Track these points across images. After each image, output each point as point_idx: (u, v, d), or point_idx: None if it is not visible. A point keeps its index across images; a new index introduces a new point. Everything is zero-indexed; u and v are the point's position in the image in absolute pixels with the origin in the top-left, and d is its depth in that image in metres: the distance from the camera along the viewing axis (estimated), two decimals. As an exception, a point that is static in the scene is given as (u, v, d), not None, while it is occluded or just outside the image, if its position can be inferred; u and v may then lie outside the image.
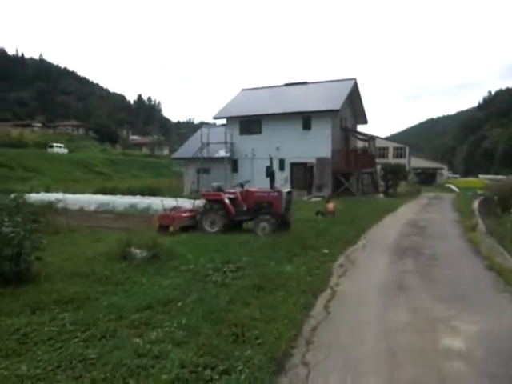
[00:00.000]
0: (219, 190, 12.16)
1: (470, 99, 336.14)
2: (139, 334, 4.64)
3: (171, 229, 11.86)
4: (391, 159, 48.50)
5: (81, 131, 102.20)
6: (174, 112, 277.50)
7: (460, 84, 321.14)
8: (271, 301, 5.90)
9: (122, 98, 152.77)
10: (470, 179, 69.95)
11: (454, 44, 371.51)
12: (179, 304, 5.59)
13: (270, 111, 31.32)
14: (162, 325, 4.91)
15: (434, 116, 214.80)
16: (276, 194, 11.45)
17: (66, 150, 66.27)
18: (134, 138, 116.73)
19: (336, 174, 29.08)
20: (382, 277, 7.85)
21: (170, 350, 4.22)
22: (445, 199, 30.08)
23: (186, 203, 15.89)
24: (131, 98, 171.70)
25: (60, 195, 15.14)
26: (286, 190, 11.94)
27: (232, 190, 12.51)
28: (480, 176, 72.57)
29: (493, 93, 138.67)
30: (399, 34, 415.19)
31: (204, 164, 32.11)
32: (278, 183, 30.32)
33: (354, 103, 34.80)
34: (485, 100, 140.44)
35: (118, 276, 6.91)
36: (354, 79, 33.34)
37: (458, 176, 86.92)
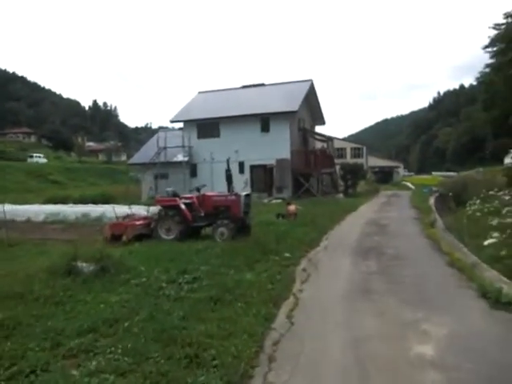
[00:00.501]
0: (174, 195, 11.54)
1: (421, 100, 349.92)
2: (77, 365, 4.03)
3: (124, 238, 11.13)
4: (349, 159, 49.25)
5: (33, 139, 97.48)
6: (131, 117, 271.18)
7: (412, 85, 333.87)
8: (230, 314, 5.43)
9: (76, 103, 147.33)
10: (424, 176, 72.67)
11: (406, 45, 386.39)
12: (126, 324, 5.01)
13: (228, 114, 30.88)
14: (105, 351, 4.31)
15: (389, 116, 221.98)
16: (234, 197, 10.97)
17: (45, 160, 63.73)
18: (90, 144, 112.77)
19: (296, 175, 29.00)
20: (346, 280, 7.55)
21: (111, 382, 3.66)
22: (402, 197, 30.74)
23: (141, 210, 15.13)
24: (86, 103, 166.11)
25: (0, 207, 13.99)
26: (244, 192, 11.48)
27: (188, 195, 11.92)
28: (433, 173, 75.51)
29: (441, 93, 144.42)
30: (353, 36, 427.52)
31: (161, 169, 31.19)
32: (237, 186, 30.38)
33: (311, 104, 34.97)
34: (434, 100, 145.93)
35: (60, 295, 6.20)
36: (311, 80, 33.52)
37: (412, 174, 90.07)
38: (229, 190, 11.23)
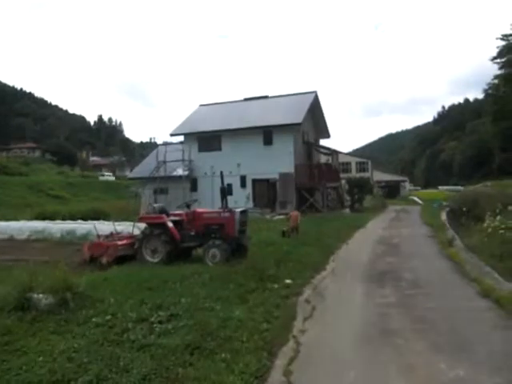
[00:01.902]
0: (162, 211, 10.23)
1: (425, 114, 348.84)
2: None
3: (104, 260, 9.82)
4: (355, 174, 48.02)
5: (37, 153, 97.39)
6: (136, 133, 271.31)
7: (416, 99, 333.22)
8: (208, 370, 4.08)
9: (81, 118, 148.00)
10: (431, 191, 71.23)
11: (409, 60, 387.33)
12: (66, 389, 3.68)
13: (230, 126, 29.89)
14: None
15: (393, 131, 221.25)
16: (228, 214, 9.62)
17: (113, 178, 69.19)
18: (95, 159, 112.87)
19: (300, 190, 27.75)
20: (359, 315, 6.18)
21: None
22: (412, 212, 29.29)
23: (132, 228, 13.82)
24: (91, 118, 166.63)
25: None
26: (240, 209, 10.14)
27: (177, 212, 10.59)
28: (440, 187, 74.03)
29: (446, 107, 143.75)
30: (358, 53, 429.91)
31: (161, 183, 30.10)
32: (239, 201, 29.06)
33: (315, 117, 33.88)
34: (439, 115, 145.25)
35: (-4, 340, 4.87)
36: (315, 92, 32.50)
37: (418, 188, 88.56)
38: (223, 206, 9.89)
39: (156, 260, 9.64)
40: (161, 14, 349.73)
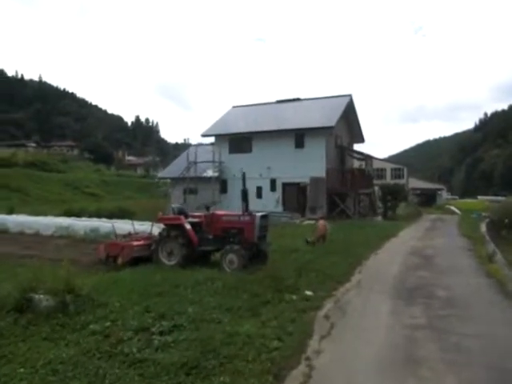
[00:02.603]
0: (181, 212, 9.84)
1: (465, 121, 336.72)
2: None
3: (119, 261, 9.53)
4: (389, 180, 46.51)
5: (75, 152, 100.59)
6: (172, 134, 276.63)
7: (456, 106, 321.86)
8: (202, 396, 3.58)
9: (119, 119, 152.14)
10: (470, 200, 68.25)
11: (448, 66, 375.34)
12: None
13: (261, 129, 29.44)
14: None
15: (431, 138, 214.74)
16: (247, 218, 9.09)
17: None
18: (131, 158, 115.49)
19: (331, 195, 26.90)
20: (382, 337, 5.50)
21: None
22: (448, 222, 27.82)
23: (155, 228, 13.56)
24: (129, 119, 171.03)
25: (4, 217, 12.86)
26: (261, 213, 9.58)
27: (197, 214, 10.17)
28: (479, 197, 70.90)
29: (488, 114, 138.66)
30: (396, 57, 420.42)
31: (191, 184, 30.06)
32: (269, 205, 28.54)
33: (349, 121, 32.91)
34: (481, 122, 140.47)
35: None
36: (350, 95, 31.58)
37: (456, 197, 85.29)
38: (245, 210, 9.37)
39: (172, 263, 9.25)
40: (200, 17, 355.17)
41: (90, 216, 18.41)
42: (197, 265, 9.13)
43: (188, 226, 9.31)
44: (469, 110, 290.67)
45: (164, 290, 6.83)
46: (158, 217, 10.07)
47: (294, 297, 7.10)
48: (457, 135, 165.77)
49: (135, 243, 9.94)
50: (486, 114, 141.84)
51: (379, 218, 28.77)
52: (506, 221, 19.75)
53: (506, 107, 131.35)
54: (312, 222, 23.81)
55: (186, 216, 9.82)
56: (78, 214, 18.79)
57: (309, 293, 7.43)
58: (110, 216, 18.11)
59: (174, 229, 9.43)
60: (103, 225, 15.20)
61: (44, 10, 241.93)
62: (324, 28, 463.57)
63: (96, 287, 6.57)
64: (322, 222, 13.79)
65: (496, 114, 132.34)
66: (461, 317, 6.35)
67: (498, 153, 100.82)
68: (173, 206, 10.20)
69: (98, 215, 18.25)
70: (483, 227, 23.44)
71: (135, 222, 15.77)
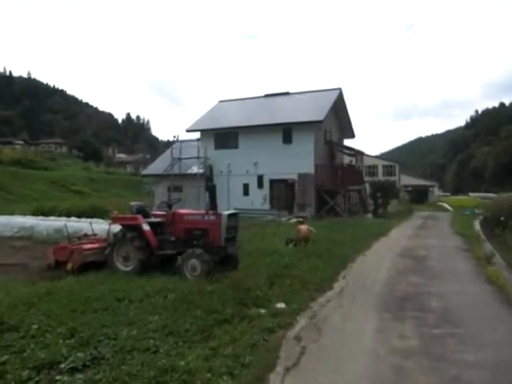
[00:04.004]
0: (140, 211, 8.62)
1: (457, 118, 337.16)
2: None
3: (69, 266, 8.30)
4: (381, 177, 45.63)
5: (64, 149, 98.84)
6: (164, 131, 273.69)
7: (447, 103, 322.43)
8: None
9: (110, 116, 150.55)
10: (462, 197, 67.93)
11: (440, 63, 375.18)
12: None
13: (248, 123, 28.29)
14: None
15: (423, 135, 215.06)
16: (212, 217, 7.85)
17: None
18: (121, 156, 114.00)
19: (320, 192, 25.82)
20: (363, 367, 4.34)
21: None
22: (441, 219, 26.85)
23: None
24: (120, 116, 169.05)
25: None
26: (228, 211, 8.36)
27: (160, 213, 8.95)
28: (470, 194, 70.61)
29: (480, 112, 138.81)
30: (389, 54, 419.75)
31: (175, 181, 28.85)
32: (255, 202, 27.39)
33: (339, 115, 31.85)
34: (472, 119, 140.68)
35: None
36: (340, 89, 30.47)
37: (448, 194, 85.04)
38: (212, 208, 8.15)
39: (128, 269, 8.04)
40: (191, 14, 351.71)
41: (60, 215, 17.13)
42: (158, 271, 7.95)
43: (146, 227, 8.07)
44: (460, 108, 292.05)
45: (104, 306, 5.62)
46: (113, 216, 8.85)
47: (262, 311, 5.94)
48: (449, 132, 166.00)
49: (87, 247, 8.69)
50: (477, 112, 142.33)
51: (369, 215, 27.78)
52: (502, 218, 18.83)
53: (496, 105, 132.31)
54: (299, 219, 22.69)
55: (146, 215, 8.59)
56: (48, 213, 17.46)
57: (280, 305, 6.28)
58: (80, 215, 16.82)
59: (130, 230, 8.18)
60: (69, 224, 13.90)
61: (34, 5, 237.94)
62: (317, 25, 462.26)
63: (14, 304, 5.34)
64: (303, 227, 11.95)
65: (487, 112, 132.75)
66: (460, 337, 5.21)
67: (489, 150, 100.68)
68: (131, 203, 8.95)
69: (69, 214, 16.96)
70: (477, 225, 22.54)
71: (102, 222, 14.58)
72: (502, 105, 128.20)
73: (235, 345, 4.63)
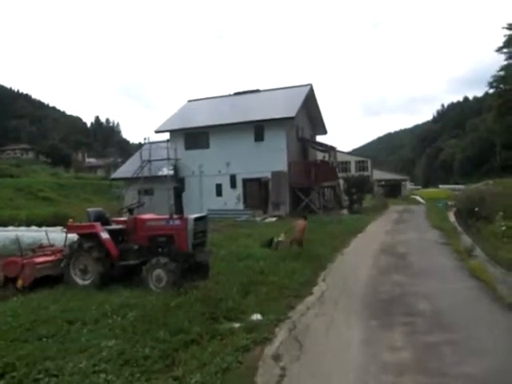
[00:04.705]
0: (99, 218, 7.81)
1: (424, 113, 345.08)
2: None
3: (19, 283, 7.41)
4: (354, 173, 45.79)
5: (30, 155, 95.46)
6: (135, 134, 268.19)
7: (414, 98, 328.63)
8: None
9: (78, 120, 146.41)
10: (432, 190, 69.18)
11: (407, 60, 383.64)
12: None
13: (218, 122, 27.56)
14: None
15: (392, 130, 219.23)
16: (178, 222, 7.12)
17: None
18: (91, 160, 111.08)
19: (294, 190, 25.35)
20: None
21: None
22: (416, 213, 26.86)
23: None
24: (88, 120, 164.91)
25: None
26: (195, 215, 7.65)
27: (121, 219, 8.14)
28: (440, 186, 72.00)
29: (445, 106, 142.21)
30: (356, 52, 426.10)
31: (146, 184, 27.81)
32: (229, 202, 26.69)
33: (311, 112, 31.51)
34: (438, 113, 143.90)
35: None
36: (310, 85, 30.15)
37: (419, 187, 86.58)
38: (178, 211, 7.41)
39: (87, 282, 7.22)
40: (157, 16, 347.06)
41: (20, 225, 15.97)
42: (120, 284, 7.16)
43: (105, 235, 7.26)
44: (427, 102, 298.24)
45: (51, 331, 4.83)
46: (68, 224, 8.00)
47: (236, 325, 5.28)
48: (417, 127, 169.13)
49: (39, 260, 7.79)
50: (443, 106, 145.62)
51: (345, 211, 27.53)
52: (477, 209, 18.86)
53: (461, 99, 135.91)
54: (274, 219, 22.15)
55: (106, 222, 7.78)
56: (7, 222, 16.26)
57: (256, 317, 5.63)
58: (42, 223, 15.71)
59: (87, 239, 7.35)
60: (27, 235, 12.85)
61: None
62: (285, 24, 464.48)
63: None
64: (301, 222, 10.94)
65: (452, 106, 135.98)
66: (456, 345, 4.68)
67: (456, 143, 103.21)
68: (88, 209, 8.12)
69: (29, 224, 15.83)
70: (451, 217, 22.58)
71: (63, 231, 13.54)
72: (466, 99, 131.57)
73: (204, 371, 3.95)
